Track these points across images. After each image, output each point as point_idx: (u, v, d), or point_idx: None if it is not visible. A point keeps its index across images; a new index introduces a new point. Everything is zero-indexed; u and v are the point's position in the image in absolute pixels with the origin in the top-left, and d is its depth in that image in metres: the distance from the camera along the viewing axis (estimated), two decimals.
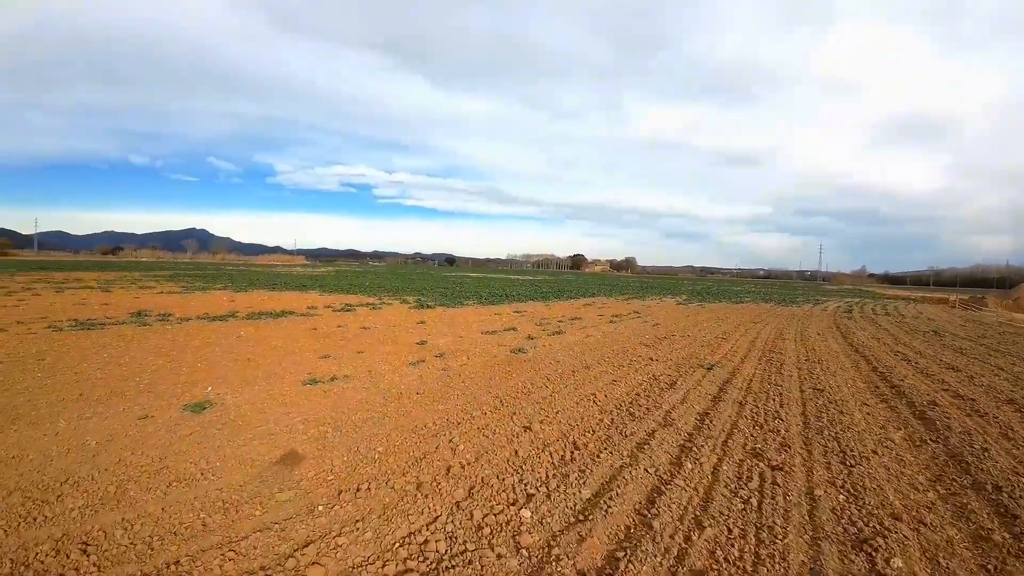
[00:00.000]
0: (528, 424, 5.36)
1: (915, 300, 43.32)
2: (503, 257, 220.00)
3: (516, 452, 4.57)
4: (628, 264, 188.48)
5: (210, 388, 6.40)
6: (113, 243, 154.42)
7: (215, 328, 11.54)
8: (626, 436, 5.10)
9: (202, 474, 3.91)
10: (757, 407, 6.39)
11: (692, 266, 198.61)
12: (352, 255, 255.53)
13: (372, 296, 22.55)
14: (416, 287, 29.90)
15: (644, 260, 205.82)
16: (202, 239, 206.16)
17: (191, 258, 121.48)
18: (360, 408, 5.83)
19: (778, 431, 5.44)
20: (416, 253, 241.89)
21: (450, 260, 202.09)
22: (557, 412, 5.85)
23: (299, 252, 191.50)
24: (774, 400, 6.79)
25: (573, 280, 55.48)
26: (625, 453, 4.63)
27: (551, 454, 4.55)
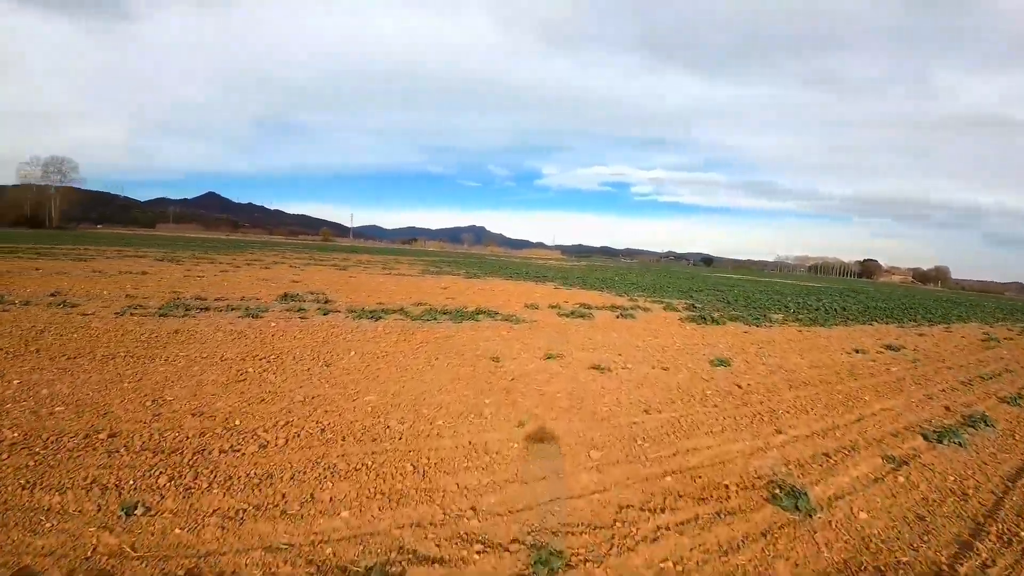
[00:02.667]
0: None
1: None
2: (769, 259, 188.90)
3: None
4: (938, 275, 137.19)
5: None
6: (412, 236, 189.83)
7: (349, 326, 7.03)
8: None
9: None
10: None
11: (1021, 283, 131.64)
12: (605, 252, 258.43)
13: (622, 295, 16.42)
14: (680, 288, 22.57)
15: (960, 271, 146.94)
16: (478, 234, 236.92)
17: (465, 249, 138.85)
18: None
19: None
20: (669, 252, 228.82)
21: (707, 260, 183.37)
22: None
23: (556, 247, 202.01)
24: None
25: (885, 293, 38.84)
26: None
27: None
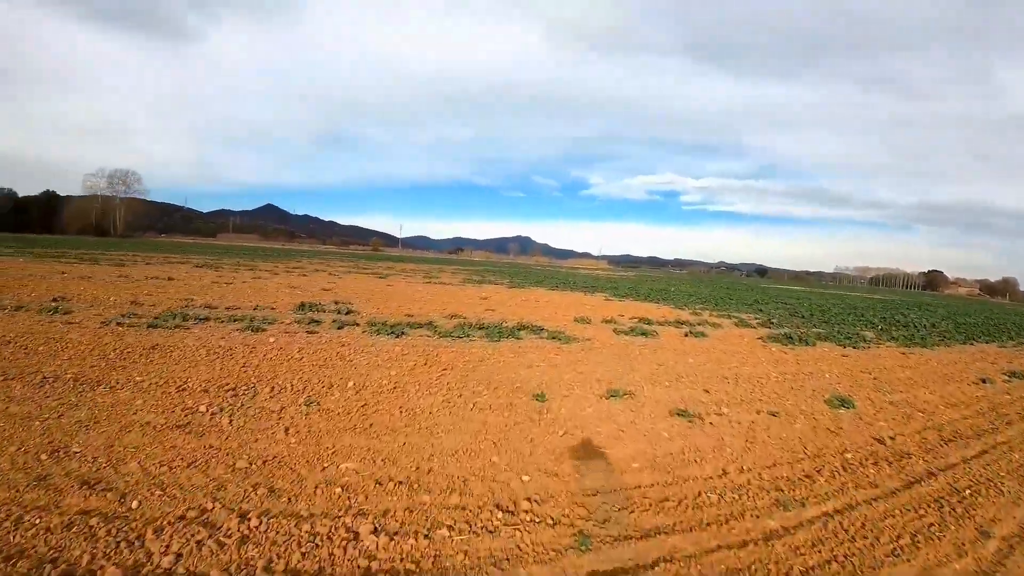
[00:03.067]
0: None
1: None
2: (827, 270, 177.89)
3: None
4: (1006, 287, 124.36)
5: None
6: (459, 246, 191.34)
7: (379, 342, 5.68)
8: None
9: None
10: None
11: None
12: (653, 262, 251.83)
13: (682, 307, 14.47)
14: (742, 300, 20.21)
15: None
16: (524, 244, 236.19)
17: (511, 259, 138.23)
18: None
19: None
20: (720, 262, 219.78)
21: (760, 271, 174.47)
22: None
23: (603, 258, 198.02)
24: None
25: (961, 307, 34.22)
26: None
27: None
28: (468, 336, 7.18)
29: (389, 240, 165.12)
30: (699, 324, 10.80)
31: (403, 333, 6.99)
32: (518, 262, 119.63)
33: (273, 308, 8.62)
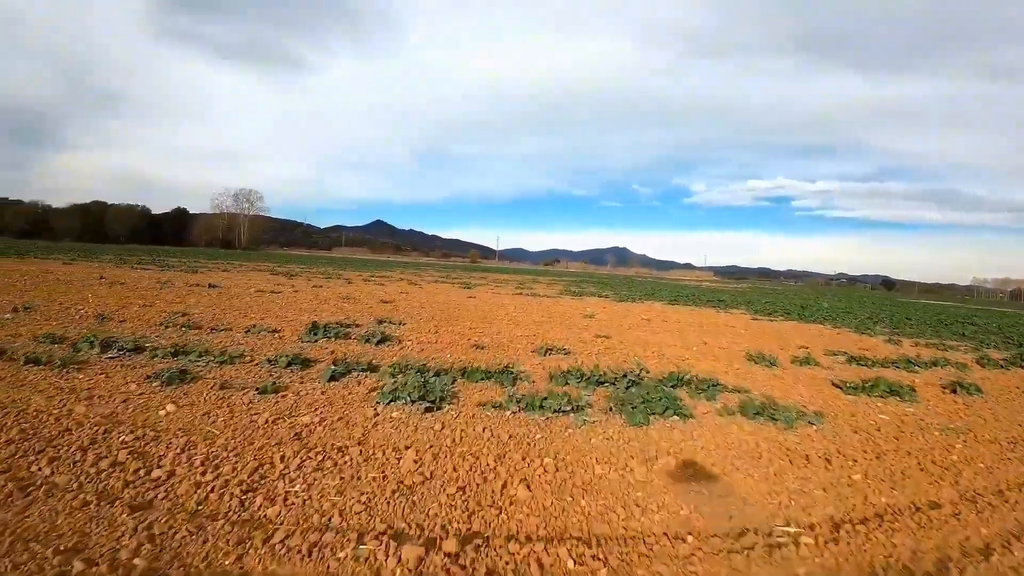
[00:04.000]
0: None
1: None
2: (961, 283, 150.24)
3: None
4: None
5: None
6: (554, 257, 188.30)
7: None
8: None
9: None
10: None
11: None
12: (763, 274, 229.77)
13: (863, 332, 9.66)
14: (917, 320, 14.28)
15: None
16: (621, 255, 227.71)
17: (608, 270, 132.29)
18: None
19: None
20: (839, 273, 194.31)
21: (887, 283, 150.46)
22: None
23: (708, 269, 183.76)
24: None
25: None
26: None
27: None
28: (578, 407, 3.55)
29: (486, 252, 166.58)
30: (934, 364, 6.32)
31: (443, 399, 3.55)
32: (616, 273, 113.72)
33: (277, 331, 5.70)
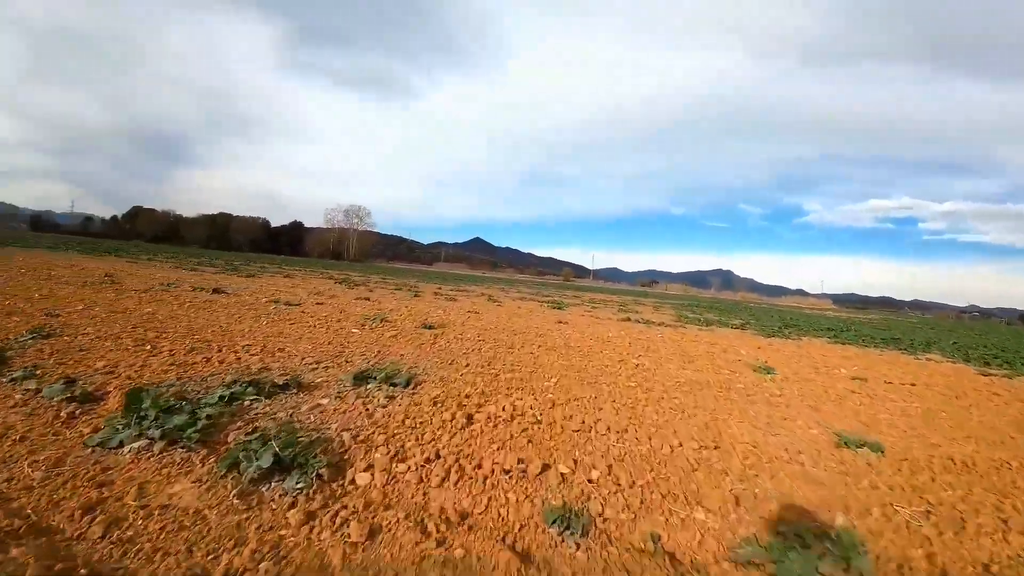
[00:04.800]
0: None
1: None
2: None
3: None
4: None
5: None
6: (652, 278, 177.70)
7: None
8: None
9: None
10: None
11: None
12: (885, 303, 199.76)
13: None
14: None
15: None
16: (725, 278, 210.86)
17: (712, 294, 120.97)
18: None
19: None
20: (971, 305, 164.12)
21: None
22: None
23: (824, 296, 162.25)
24: None
25: None
26: None
27: None
28: None
29: (580, 271, 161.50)
30: None
31: None
32: (721, 297, 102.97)
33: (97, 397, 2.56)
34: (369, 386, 3.20)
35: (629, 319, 11.99)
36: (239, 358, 3.83)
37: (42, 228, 76.21)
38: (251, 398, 2.81)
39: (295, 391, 3.06)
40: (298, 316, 6.53)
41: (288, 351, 4.26)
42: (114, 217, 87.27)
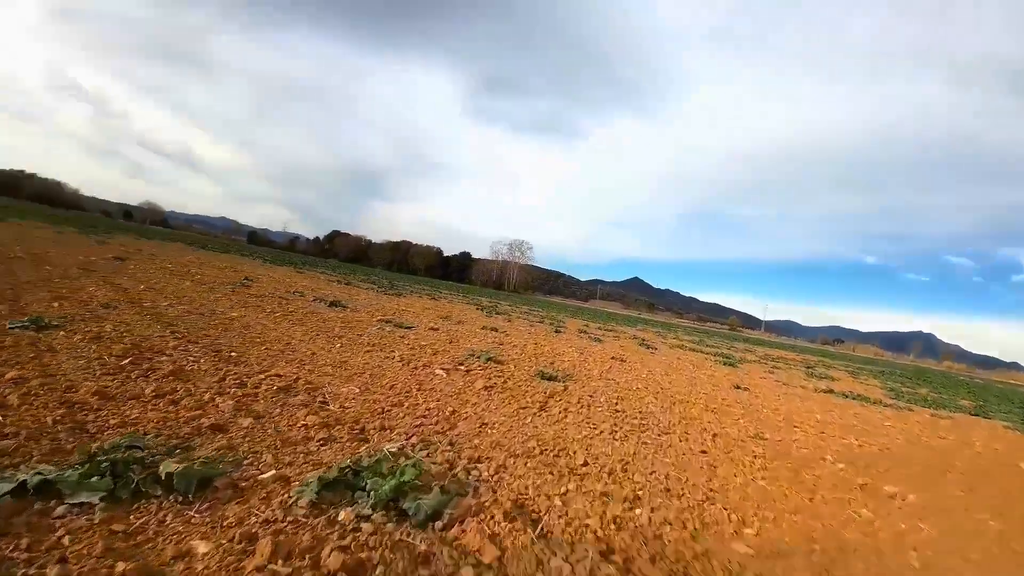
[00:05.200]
0: None
1: None
2: None
3: None
4: None
5: None
6: (835, 336, 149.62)
7: None
8: None
9: None
10: None
11: None
12: None
13: None
14: None
15: None
16: (927, 342, 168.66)
17: (911, 361, 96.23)
18: None
19: None
20: None
21: None
22: None
23: None
24: None
25: None
26: None
27: None
28: None
29: (749, 321, 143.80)
30: None
31: None
32: (923, 365, 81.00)
33: None
34: (340, 516, 1.52)
35: (832, 391, 8.62)
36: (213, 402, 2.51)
37: (256, 242, 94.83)
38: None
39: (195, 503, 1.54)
40: (391, 342, 5.32)
41: (316, 393, 2.86)
42: (316, 238, 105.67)
